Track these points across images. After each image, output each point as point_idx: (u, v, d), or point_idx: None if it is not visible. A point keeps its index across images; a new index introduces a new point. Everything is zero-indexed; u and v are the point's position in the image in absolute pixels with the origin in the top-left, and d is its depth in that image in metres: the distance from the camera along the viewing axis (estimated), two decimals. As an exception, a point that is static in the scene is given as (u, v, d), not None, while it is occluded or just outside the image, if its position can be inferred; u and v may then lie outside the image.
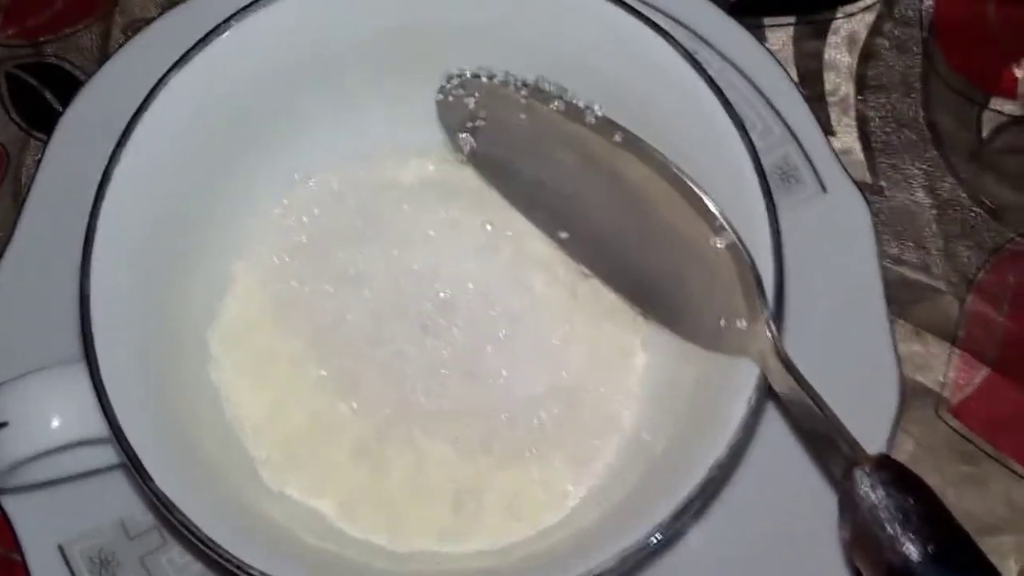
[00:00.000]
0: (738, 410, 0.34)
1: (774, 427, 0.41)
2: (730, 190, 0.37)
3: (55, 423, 0.36)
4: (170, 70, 0.37)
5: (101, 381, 0.34)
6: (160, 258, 0.38)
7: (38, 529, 0.42)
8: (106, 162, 0.37)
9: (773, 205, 0.36)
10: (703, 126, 0.37)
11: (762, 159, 0.37)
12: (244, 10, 0.38)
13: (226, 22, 0.38)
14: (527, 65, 0.41)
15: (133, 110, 0.38)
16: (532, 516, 0.40)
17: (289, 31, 0.39)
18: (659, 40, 0.38)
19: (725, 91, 0.38)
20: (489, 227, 0.43)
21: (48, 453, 0.36)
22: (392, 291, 0.42)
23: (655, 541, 0.33)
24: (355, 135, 0.43)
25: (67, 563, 0.41)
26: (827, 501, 0.40)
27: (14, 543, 0.42)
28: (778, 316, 0.35)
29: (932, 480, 0.43)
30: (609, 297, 0.42)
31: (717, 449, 0.33)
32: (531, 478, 0.40)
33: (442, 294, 0.42)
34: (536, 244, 0.43)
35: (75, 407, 0.35)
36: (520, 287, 0.42)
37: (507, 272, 0.42)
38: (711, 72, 0.38)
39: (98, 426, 0.35)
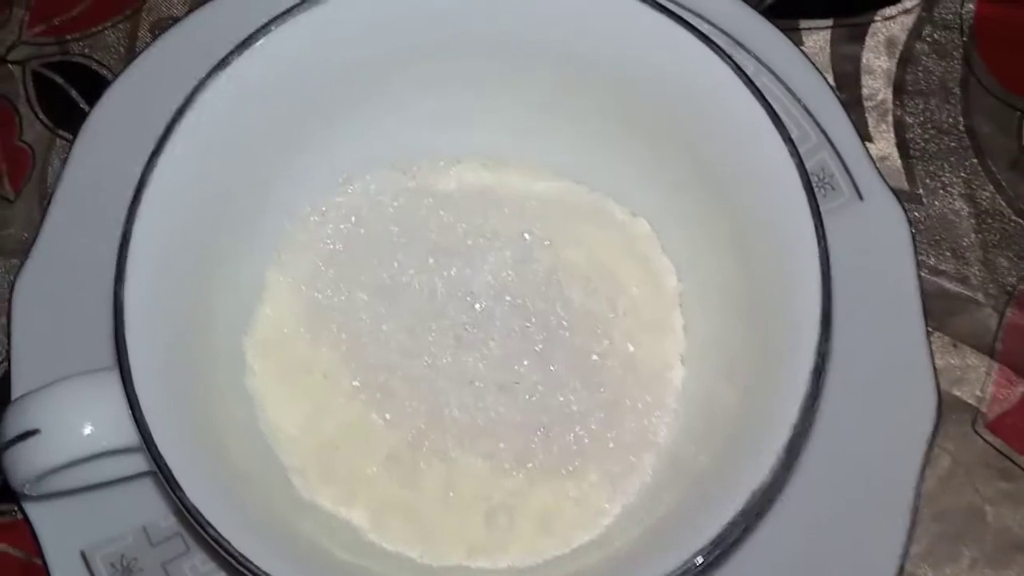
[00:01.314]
0: (782, 435, 0.33)
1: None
2: (773, 203, 0.36)
3: (87, 431, 0.35)
4: (209, 74, 0.37)
5: (134, 389, 0.34)
6: (195, 265, 0.38)
7: (60, 534, 0.41)
8: (141, 165, 0.36)
9: (821, 224, 0.35)
10: (747, 137, 0.37)
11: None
12: (283, 15, 0.37)
13: (265, 26, 0.37)
14: (564, 67, 0.40)
15: (160, 109, 0.37)
16: (566, 533, 0.39)
17: (329, 37, 0.38)
18: (702, 47, 0.37)
19: (765, 97, 0.37)
20: (527, 236, 0.42)
21: (79, 462, 0.36)
22: (427, 301, 0.42)
23: (695, 569, 0.32)
24: (394, 142, 0.43)
25: (89, 569, 0.41)
26: (860, 538, 0.40)
27: (36, 548, 0.41)
28: (825, 338, 0.34)
29: (968, 497, 0.43)
30: (648, 312, 0.42)
31: (760, 474, 0.32)
32: (566, 495, 0.40)
33: (478, 305, 0.42)
34: (574, 255, 0.42)
35: (107, 416, 0.35)
36: (558, 299, 0.42)
37: (545, 284, 0.42)
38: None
39: (130, 435, 0.34)
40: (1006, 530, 0.43)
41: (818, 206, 0.35)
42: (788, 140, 0.36)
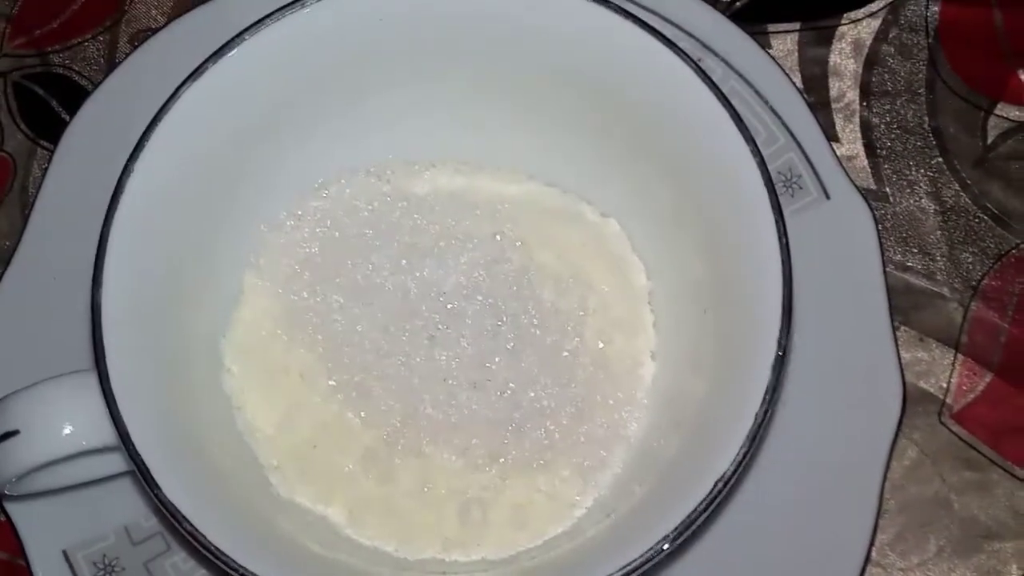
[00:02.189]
0: (746, 425, 0.34)
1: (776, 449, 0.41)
2: (737, 200, 0.37)
3: (66, 431, 0.36)
4: (184, 82, 0.37)
5: (111, 390, 0.35)
6: (172, 268, 0.38)
7: (42, 534, 0.42)
8: (119, 173, 0.37)
9: (783, 220, 0.36)
10: (711, 138, 0.37)
11: (765, 167, 0.37)
12: (257, 24, 0.38)
13: (239, 35, 0.38)
14: (535, 72, 0.41)
15: (139, 119, 0.38)
16: (538, 526, 0.40)
17: (303, 44, 0.39)
18: (667, 51, 0.38)
19: (728, 99, 0.38)
20: (499, 237, 0.43)
21: (59, 461, 0.36)
22: (401, 302, 0.42)
23: (660, 554, 0.33)
24: (368, 148, 0.43)
25: (71, 568, 0.42)
26: (827, 528, 0.41)
27: (19, 548, 0.42)
28: (786, 330, 0.35)
29: (935, 487, 0.44)
30: (618, 309, 0.42)
31: (724, 463, 0.33)
32: (538, 488, 0.41)
33: (450, 305, 0.42)
34: (545, 255, 0.43)
35: (86, 416, 0.35)
36: (529, 299, 0.42)
37: (516, 283, 0.43)
38: (714, 79, 0.38)
39: (109, 435, 0.35)
40: (972, 519, 0.44)
41: (779, 203, 0.36)
42: (750, 140, 0.36)
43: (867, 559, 0.41)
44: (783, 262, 0.35)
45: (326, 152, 0.43)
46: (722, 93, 0.37)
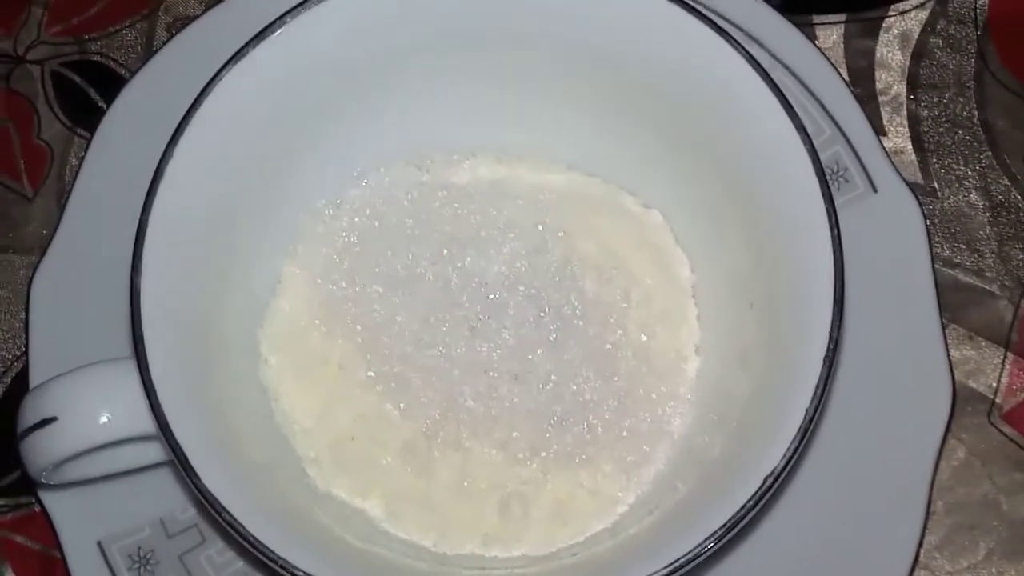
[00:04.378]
0: (796, 420, 0.33)
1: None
2: (786, 190, 0.36)
3: (104, 419, 0.36)
4: (225, 65, 0.37)
5: (150, 378, 0.34)
6: (211, 256, 0.38)
7: (78, 526, 0.42)
8: (157, 160, 0.36)
9: (834, 210, 0.35)
10: (759, 126, 0.37)
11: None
12: (298, 7, 0.38)
13: (280, 19, 0.37)
14: (577, 61, 0.40)
15: (177, 107, 0.37)
16: (580, 522, 0.40)
17: (344, 29, 0.38)
18: (714, 36, 0.37)
19: (778, 86, 0.37)
20: (541, 228, 0.43)
21: (96, 449, 0.36)
22: (441, 292, 0.42)
23: (704, 554, 0.32)
24: (408, 136, 0.43)
25: (106, 560, 0.41)
26: (874, 529, 0.40)
27: (54, 540, 0.42)
28: (837, 322, 0.34)
29: (984, 489, 0.43)
30: (661, 302, 0.42)
31: (773, 460, 0.32)
32: (579, 484, 0.40)
33: (492, 295, 0.42)
34: (587, 246, 0.42)
35: (124, 403, 0.35)
36: (572, 290, 0.42)
37: (558, 274, 0.42)
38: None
39: (146, 423, 0.34)
40: (1022, 521, 0.43)
41: (830, 191, 0.35)
42: (800, 128, 0.36)
43: (915, 562, 0.40)
44: (834, 251, 0.34)
45: (365, 141, 0.42)
46: (772, 80, 0.37)
